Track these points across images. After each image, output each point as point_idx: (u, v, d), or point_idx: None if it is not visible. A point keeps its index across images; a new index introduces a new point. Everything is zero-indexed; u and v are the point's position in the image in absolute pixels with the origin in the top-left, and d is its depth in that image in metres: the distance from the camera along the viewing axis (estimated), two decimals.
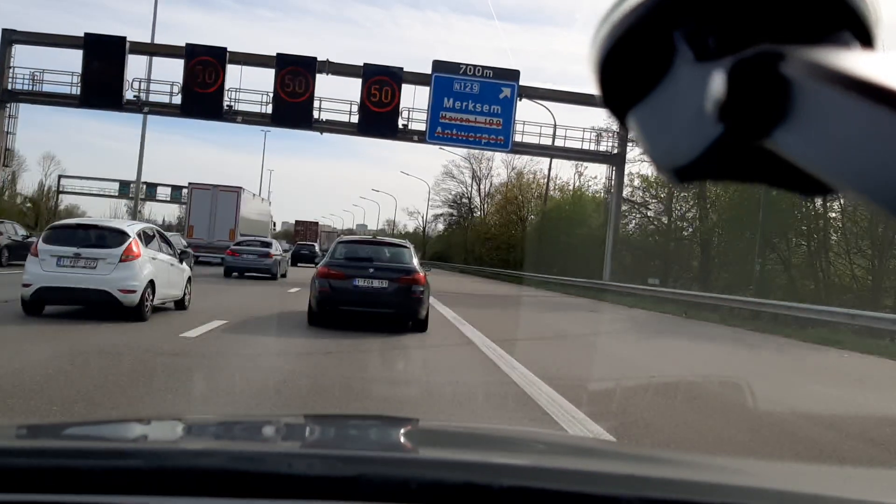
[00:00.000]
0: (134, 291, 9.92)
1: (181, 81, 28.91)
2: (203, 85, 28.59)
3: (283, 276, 25.66)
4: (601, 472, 1.32)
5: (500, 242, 57.43)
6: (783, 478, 1.57)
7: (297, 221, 72.38)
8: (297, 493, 1.05)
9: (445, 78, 29.61)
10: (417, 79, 30.03)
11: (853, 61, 0.34)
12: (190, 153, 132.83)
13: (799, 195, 0.41)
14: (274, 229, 49.90)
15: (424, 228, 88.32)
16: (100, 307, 9.87)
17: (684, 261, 35.76)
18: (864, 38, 0.40)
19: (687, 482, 1.25)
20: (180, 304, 11.98)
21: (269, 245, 25.69)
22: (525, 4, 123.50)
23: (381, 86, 29.13)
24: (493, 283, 37.44)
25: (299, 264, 35.29)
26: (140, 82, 29.36)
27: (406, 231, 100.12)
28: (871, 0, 0.40)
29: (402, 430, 1.90)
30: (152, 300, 10.39)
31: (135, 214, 36.89)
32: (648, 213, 38.63)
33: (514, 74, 30.12)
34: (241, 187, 35.37)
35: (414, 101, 37.00)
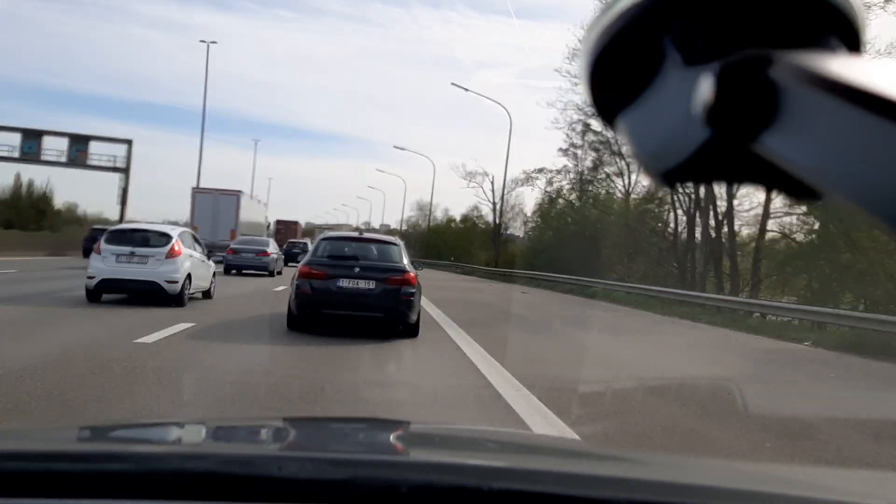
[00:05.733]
0: (176, 282, 12.52)
1: None
2: None
3: (279, 273, 28.16)
4: (594, 475, 1.34)
5: None
6: (764, 479, 1.54)
7: (277, 221, 67.50)
8: (288, 497, 1.06)
9: None
10: None
11: (840, 66, 0.34)
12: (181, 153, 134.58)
13: (787, 198, 0.41)
14: (269, 229, 52.14)
15: (500, 205, 46.82)
16: (148, 295, 12.42)
17: None
18: (852, 42, 0.40)
19: (681, 485, 1.26)
20: (207, 294, 14.57)
21: (266, 244, 28.28)
22: (543, 2, 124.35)
23: None
24: None
25: (290, 264, 35.51)
26: None
27: (448, 217, 63.73)
28: (858, 5, 0.40)
29: (393, 433, 1.92)
30: (190, 289, 12.99)
31: None
32: None
33: None
34: (240, 191, 38.17)
35: None
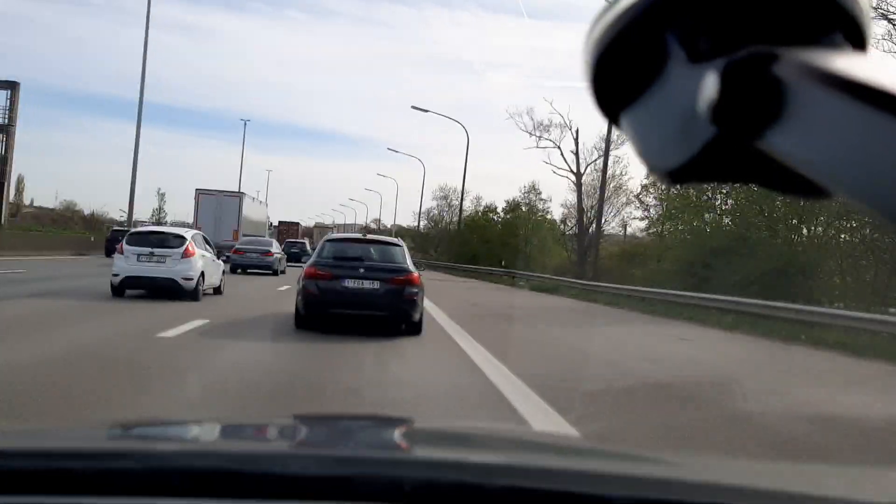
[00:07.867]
0: (192, 279, 13.91)
1: None
2: None
3: (283, 272, 29.46)
4: (595, 471, 1.33)
5: None
6: (766, 476, 1.54)
7: (280, 222, 70.18)
8: (292, 494, 1.07)
9: None
10: None
11: (845, 63, 0.34)
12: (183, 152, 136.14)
13: (792, 196, 0.40)
14: (271, 229, 53.53)
15: (604, 168, 28.27)
16: (166, 291, 13.78)
17: None
18: (856, 40, 0.40)
19: (683, 482, 1.26)
20: (217, 291, 15.93)
21: (270, 245, 29.67)
22: (555, 2, 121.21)
23: None
24: None
25: (288, 263, 35.35)
26: None
27: (486, 206, 45.55)
28: (863, 2, 0.40)
29: (396, 431, 1.93)
30: (203, 286, 14.37)
31: None
32: None
33: None
34: (243, 192, 39.70)
35: None
